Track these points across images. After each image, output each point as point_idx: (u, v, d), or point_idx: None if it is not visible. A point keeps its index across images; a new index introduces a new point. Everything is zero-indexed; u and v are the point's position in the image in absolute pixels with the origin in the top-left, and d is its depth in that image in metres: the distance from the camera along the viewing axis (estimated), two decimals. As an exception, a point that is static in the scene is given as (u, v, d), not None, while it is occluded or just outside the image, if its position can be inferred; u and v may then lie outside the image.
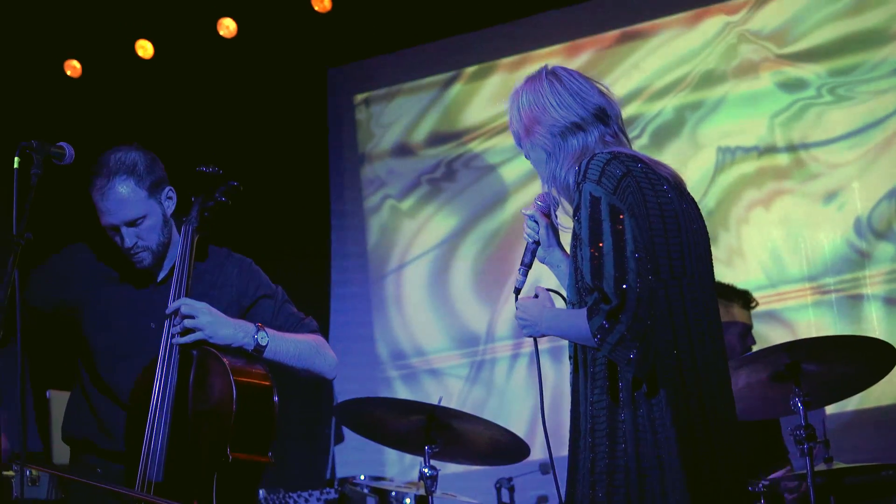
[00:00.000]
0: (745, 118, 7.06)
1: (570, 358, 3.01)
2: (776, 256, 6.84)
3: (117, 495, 3.53)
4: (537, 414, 7.17)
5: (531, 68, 7.17)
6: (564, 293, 3.10)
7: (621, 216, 2.80)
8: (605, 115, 3.00)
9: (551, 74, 3.04)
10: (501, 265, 7.55)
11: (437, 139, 7.88)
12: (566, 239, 3.13)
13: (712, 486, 2.76)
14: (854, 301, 6.62)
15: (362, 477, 6.25)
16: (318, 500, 5.91)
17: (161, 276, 3.83)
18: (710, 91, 7.17)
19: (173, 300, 3.67)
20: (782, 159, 6.93)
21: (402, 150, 7.96)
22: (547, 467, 6.19)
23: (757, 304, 5.50)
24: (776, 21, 7.05)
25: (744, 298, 5.43)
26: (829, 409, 5.63)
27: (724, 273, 6.44)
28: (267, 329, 3.75)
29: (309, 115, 7.88)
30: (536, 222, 3.17)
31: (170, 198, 3.79)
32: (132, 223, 3.69)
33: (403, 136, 7.96)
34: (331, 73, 8.04)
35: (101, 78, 7.60)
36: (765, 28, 7.06)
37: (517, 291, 3.17)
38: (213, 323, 3.64)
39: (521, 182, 7.57)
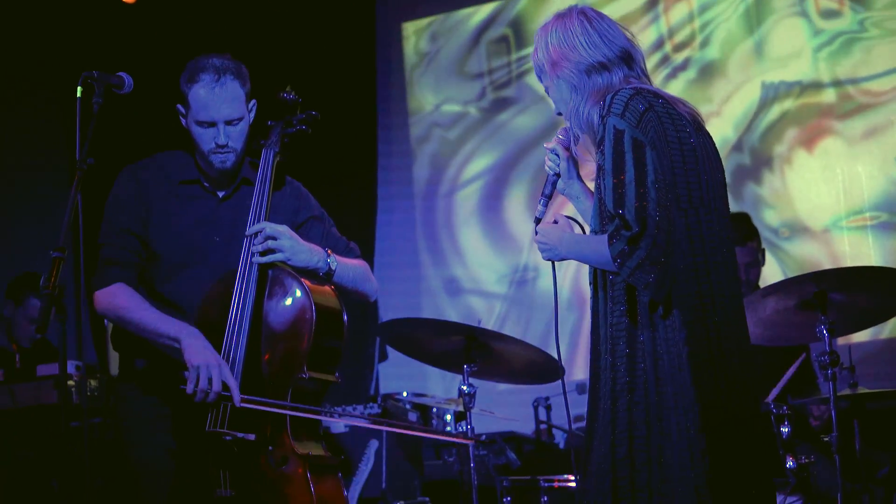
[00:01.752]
0: (788, 52, 7.14)
1: (590, 283, 3.17)
2: (815, 188, 6.94)
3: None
4: (573, 336, 7.38)
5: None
6: (582, 222, 3.27)
7: (644, 148, 2.94)
8: (630, 58, 3.13)
9: (581, 14, 3.16)
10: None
11: (484, 69, 8.00)
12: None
13: (723, 399, 2.92)
14: (890, 232, 6.72)
15: (405, 393, 6.44)
16: (362, 414, 6.12)
17: (223, 193, 3.94)
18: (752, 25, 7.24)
19: (254, 221, 3.80)
20: (826, 94, 7.00)
21: (450, 79, 8.10)
22: (583, 388, 6.43)
23: (760, 242, 5.61)
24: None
25: (747, 230, 5.56)
26: (856, 338, 5.76)
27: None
28: (333, 254, 3.90)
29: (357, 42, 7.97)
30: (558, 155, 3.31)
31: (251, 110, 3.91)
32: (231, 122, 3.82)
33: (451, 65, 8.09)
34: (379, 1, 8.16)
35: (155, 4, 7.74)
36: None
37: (537, 221, 3.31)
38: (294, 246, 3.78)
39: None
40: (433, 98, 8.14)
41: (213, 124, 3.81)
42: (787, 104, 7.04)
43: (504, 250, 7.87)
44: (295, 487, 3.62)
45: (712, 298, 2.97)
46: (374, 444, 5.92)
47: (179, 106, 3.87)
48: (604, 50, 3.11)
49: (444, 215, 8.04)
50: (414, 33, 8.23)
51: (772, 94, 7.10)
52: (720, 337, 2.96)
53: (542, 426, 6.71)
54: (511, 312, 7.70)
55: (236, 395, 3.60)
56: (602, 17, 3.18)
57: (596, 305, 3.11)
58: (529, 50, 7.75)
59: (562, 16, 3.19)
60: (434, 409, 6.64)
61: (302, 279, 3.77)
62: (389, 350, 7.61)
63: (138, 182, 3.90)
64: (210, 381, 3.58)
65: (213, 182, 3.93)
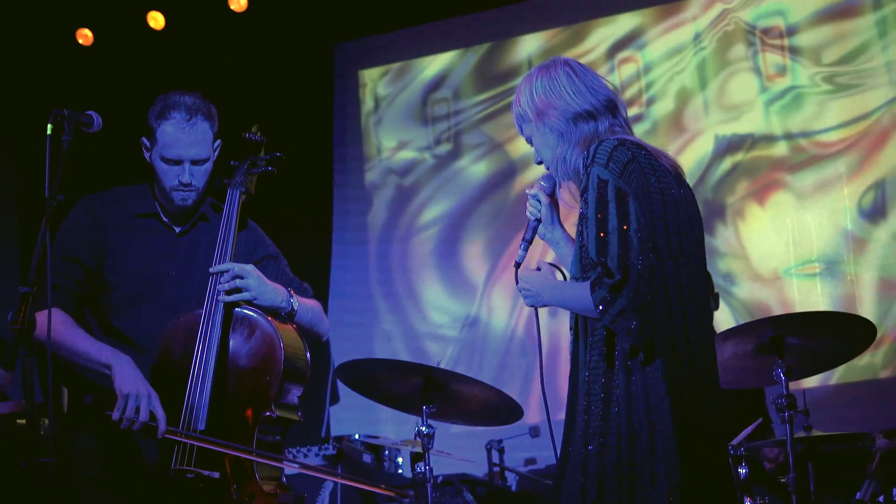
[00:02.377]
0: (740, 105, 7.29)
1: (570, 329, 3.21)
2: (766, 238, 7.06)
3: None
4: (529, 378, 7.43)
5: (531, 49, 7.43)
6: (563, 268, 3.32)
7: (627, 198, 3.00)
8: (614, 107, 3.20)
9: (566, 65, 3.23)
10: (499, 239, 7.80)
11: (439, 116, 8.09)
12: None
13: (699, 448, 2.96)
14: (837, 280, 6.86)
15: (356, 436, 6.43)
16: (317, 455, 6.10)
17: (179, 228, 3.94)
18: (706, 78, 7.40)
19: (219, 260, 3.81)
20: (777, 146, 7.15)
21: (405, 126, 8.17)
22: (536, 431, 6.47)
23: (713, 287, 5.72)
24: (770, 9, 7.27)
25: None
26: (809, 383, 5.86)
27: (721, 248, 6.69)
28: (295, 294, 3.92)
29: (314, 88, 8.04)
30: (539, 201, 3.36)
31: (216, 150, 3.93)
32: (197, 162, 3.83)
33: (406, 112, 8.17)
34: (337, 49, 8.23)
35: (113, 47, 7.74)
36: (759, 16, 7.28)
37: (517, 265, 3.36)
38: (260, 286, 3.79)
39: (525, 159, 7.80)
40: (388, 144, 8.21)
41: (179, 162, 3.82)
42: (739, 156, 7.17)
43: (458, 294, 7.93)
44: (264, 526, 3.62)
45: (688, 346, 3.03)
46: (328, 485, 5.90)
47: (145, 139, 3.88)
48: (590, 99, 3.17)
49: (399, 260, 8.09)
50: (370, 81, 8.31)
51: (724, 146, 7.24)
52: (697, 385, 3.02)
53: (496, 469, 6.73)
54: (463, 355, 7.74)
55: (162, 426, 3.59)
56: (585, 69, 3.25)
57: (576, 350, 3.16)
58: (483, 97, 8.02)
59: (546, 67, 3.25)
60: (386, 452, 6.64)
61: (271, 319, 3.78)
62: (341, 392, 7.61)
63: (94, 215, 3.89)
64: (138, 409, 3.57)
65: (171, 217, 3.94)
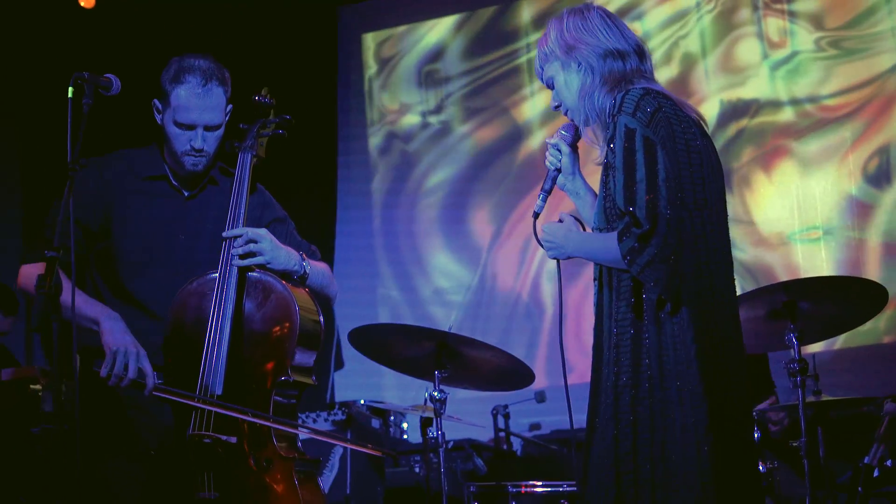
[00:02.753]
0: (745, 70, 7.28)
1: (594, 280, 3.20)
2: (771, 203, 7.07)
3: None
4: (534, 342, 7.46)
5: (533, 12, 7.37)
6: (582, 220, 3.30)
7: (655, 147, 2.99)
8: (642, 53, 3.21)
9: (599, 9, 3.25)
10: (504, 204, 7.80)
11: (443, 80, 8.06)
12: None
13: (725, 397, 2.98)
14: (842, 245, 6.87)
15: (362, 401, 6.47)
16: (327, 420, 6.12)
17: (188, 192, 3.93)
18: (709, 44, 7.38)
19: (231, 224, 3.80)
20: (782, 112, 7.14)
21: (409, 90, 8.15)
22: (542, 396, 6.49)
23: None
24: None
25: None
26: (816, 347, 5.89)
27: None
28: (307, 258, 3.91)
29: (318, 52, 8.01)
30: (559, 150, 3.35)
31: (227, 114, 3.89)
32: (210, 128, 3.81)
33: (410, 76, 8.14)
34: (341, 11, 8.18)
35: (116, 9, 7.69)
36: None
37: (536, 216, 3.35)
38: (274, 249, 3.78)
39: (529, 123, 7.78)
40: (392, 108, 8.19)
41: (192, 127, 3.79)
42: (744, 122, 7.16)
43: (462, 259, 7.94)
44: (281, 489, 3.62)
45: (714, 298, 3.03)
46: (338, 450, 5.93)
47: (157, 101, 3.84)
48: (621, 41, 3.18)
49: (404, 225, 8.09)
50: (374, 44, 8.27)
51: (729, 111, 7.23)
52: (721, 336, 3.02)
53: (501, 434, 6.77)
54: (467, 320, 7.75)
55: (149, 382, 3.58)
56: (619, 18, 3.26)
57: (601, 301, 3.15)
58: (486, 59, 8.00)
59: (579, 9, 3.25)
60: (392, 417, 6.67)
61: (286, 283, 3.77)
62: (346, 358, 7.62)
63: (101, 178, 3.85)
64: (126, 366, 3.56)
65: (179, 180, 3.92)
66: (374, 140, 8.22)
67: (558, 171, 3.36)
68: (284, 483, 3.63)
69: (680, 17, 7.49)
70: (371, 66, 8.26)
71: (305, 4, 7.90)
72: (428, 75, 8.13)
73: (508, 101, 7.92)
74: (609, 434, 3.01)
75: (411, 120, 8.15)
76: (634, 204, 2.97)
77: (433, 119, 8.10)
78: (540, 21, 7.82)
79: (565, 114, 3.30)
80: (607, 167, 3.09)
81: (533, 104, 7.86)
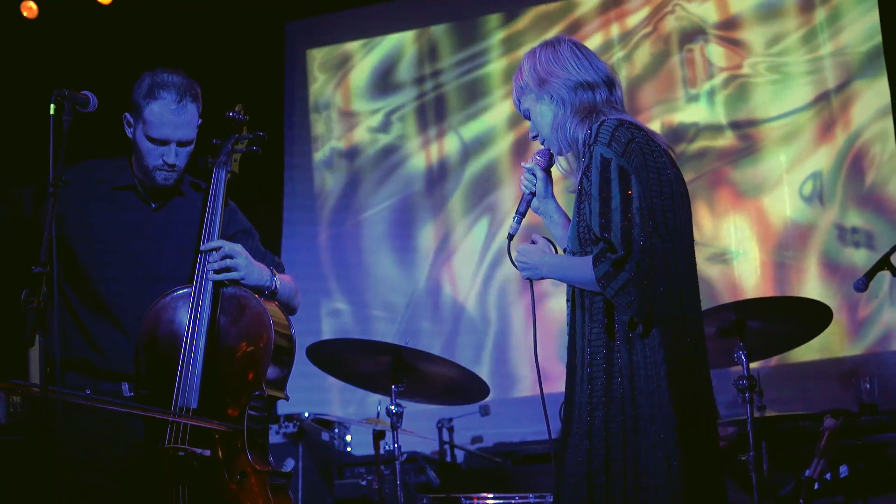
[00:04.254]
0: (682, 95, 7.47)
1: (567, 301, 3.33)
2: (720, 224, 7.24)
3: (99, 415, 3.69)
4: (479, 357, 7.56)
5: (482, 31, 7.44)
6: (554, 241, 3.44)
7: (629, 176, 3.14)
8: (612, 83, 3.35)
9: (570, 41, 3.39)
10: (447, 221, 7.89)
11: (389, 96, 8.15)
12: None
13: (694, 415, 3.12)
14: (790, 267, 7.07)
15: (306, 414, 6.46)
16: (278, 433, 6.15)
17: (156, 204, 3.96)
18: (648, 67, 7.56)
19: (206, 238, 3.84)
20: (720, 136, 7.33)
21: (355, 107, 8.21)
22: (486, 409, 6.58)
23: None
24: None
25: None
26: (755, 364, 6.07)
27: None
28: (276, 272, 3.97)
29: (265, 67, 8.03)
30: (534, 175, 3.48)
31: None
32: (184, 143, 3.85)
33: (357, 92, 8.20)
34: (288, 27, 8.22)
35: (58, 20, 7.64)
36: (704, 5, 7.47)
37: (510, 237, 3.47)
38: (249, 265, 3.84)
39: (475, 142, 7.90)
40: (338, 125, 8.24)
41: (166, 143, 3.83)
42: (682, 146, 7.32)
43: (410, 274, 8.00)
44: (255, 501, 3.66)
45: (684, 320, 3.17)
46: (290, 462, 5.95)
47: (128, 115, 3.87)
48: (591, 72, 3.32)
49: (351, 240, 8.14)
50: (320, 60, 8.32)
51: (670, 135, 7.38)
52: (690, 356, 3.17)
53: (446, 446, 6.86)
54: (413, 334, 7.82)
55: None
56: (588, 49, 3.41)
57: (573, 321, 3.27)
58: (437, 75, 8.07)
59: (550, 42, 3.40)
60: (336, 430, 6.70)
61: (260, 298, 3.83)
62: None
63: (68, 186, 3.76)
64: None
65: (147, 191, 3.94)
66: (320, 155, 8.27)
67: (532, 194, 3.49)
68: (259, 496, 3.68)
69: (620, 40, 7.66)
70: (317, 81, 8.31)
71: (252, 20, 7.91)
72: (375, 91, 8.20)
73: (455, 118, 8.02)
74: (583, 448, 3.13)
75: (358, 136, 8.22)
76: (609, 230, 3.11)
77: (380, 135, 8.18)
78: (481, 40, 7.95)
79: (542, 142, 3.43)
80: (581, 194, 3.22)
81: (480, 122, 7.97)
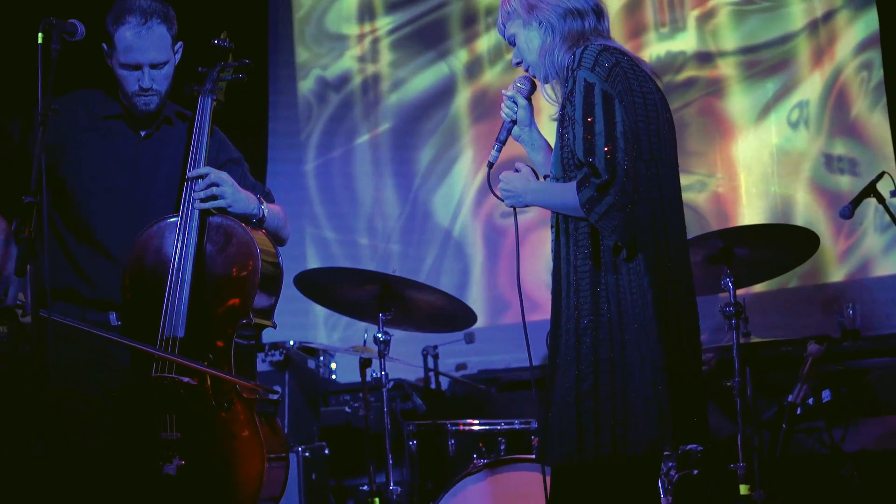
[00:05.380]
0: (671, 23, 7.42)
1: (551, 227, 3.33)
2: (697, 150, 7.24)
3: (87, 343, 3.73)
4: (465, 282, 7.59)
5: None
6: (537, 169, 3.43)
7: (613, 101, 3.12)
8: (600, 11, 3.33)
9: None
10: (438, 148, 7.87)
11: (377, 25, 8.08)
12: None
13: (678, 339, 3.15)
14: (776, 195, 7.08)
15: (291, 342, 6.49)
16: (264, 361, 6.17)
17: (144, 132, 3.95)
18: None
19: (193, 166, 3.84)
20: (710, 65, 7.30)
21: (341, 34, 8.14)
22: (471, 336, 6.61)
23: None
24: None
25: None
26: (741, 291, 6.12)
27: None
28: (263, 200, 3.96)
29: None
30: (515, 103, 3.45)
31: (177, 52, 3.91)
32: (156, 65, 3.82)
33: (343, 19, 8.13)
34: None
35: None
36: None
37: (490, 165, 3.46)
38: (235, 193, 3.83)
39: (466, 70, 7.85)
40: (325, 52, 8.17)
41: (138, 67, 3.81)
42: (669, 76, 7.28)
43: (396, 200, 7.98)
44: (243, 429, 3.70)
45: (667, 245, 3.18)
46: (277, 389, 5.97)
47: (104, 45, 3.85)
48: (581, 0, 3.28)
49: (337, 169, 8.12)
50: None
51: (660, 64, 7.32)
52: (675, 280, 3.18)
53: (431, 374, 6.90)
54: (399, 259, 7.85)
55: (27, 308, 3.61)
56: None
57: (557, 248, 3.27)
58: (419, 9, 7.99)
59: None
60: (321, 358, 6.74)
61: (246, 226, 3.82)
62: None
63: (59, 116, 3.77)
64: (6, 292, 3.61)
65: (135, 121, 3.94)
66: (306, 84, 8.21)
67: (514, 122, 3.47)
68: (246, 423, 3.71)
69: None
70: (302, 8, 8.22)
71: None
72: (361, 18, 8.12)
73: (444, 46, 7.95)
74: (571, 374, 3.14)
75: (344, 63, 8.15)
76: (593, 155, 3.10)
77: (366, 63, 8.11)
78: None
79: (526, 70, 3.40)
80: (564, 119, 3.20)
81: (470, 50, 7.91)
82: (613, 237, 3.11)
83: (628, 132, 3.10)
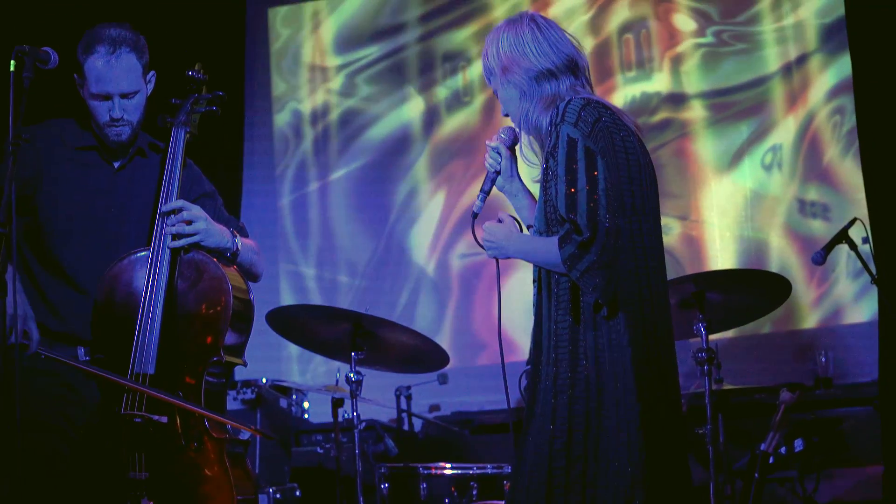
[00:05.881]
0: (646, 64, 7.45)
1: (534, 281, 3.31)
2: (671, 193, 7.26)
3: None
4: (439, 324, 7.56)
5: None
6: (521, 221, 3.42)
7: (595, 157, 3.11)
8: (576, 66, 3.30)
9: (532, 21, 3.31)
10: (414, 187, 7.86)
11: (352, 59, 8.08)
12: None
13: (658, 398, 3.12)
14: (749, 238, 7.11)
15: (264, 380, 6.43)
16: (235, 399, 6.12)
17: (118, 163, 3.92)
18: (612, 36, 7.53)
19: (165, 199, 3.80)
20: (685, 106, 7.33)
21: (317, 69, 8.14)
22: (444, 378, 6.58)
23: None
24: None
25: None
26: (714, 336, 6.12)
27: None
28: (237, 234, 3.93)
29: (226, 27, 7.91)
30: (499, 153, 3.44)
31: (150, 81, 3.89)
32: (127, 95, 3.78)
33: (318, 53, 8.13)
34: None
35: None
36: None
37: (475, 216, 3.44)
38: (208, 228, 3.79)
39: (440, 106, 7.85)
40: (300, 86, 8.16)
41: (108, 97, 3.78)
42: (643, 117, 7.31)
43: (371, 238, 7.96)
44: (212, 469, 3.65)
45: (650, 301, 3.16)
46: (249, 428, 5.92)
47: (76, 75, 3.83)
48: (552, 58, 3.26)
49: (313, 205, 8.09)
50: (281, 19, 8.23)
51: (633, 106, 7.35)
52: (656, 338, 3.15)
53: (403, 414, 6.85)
54: (372, 299, 7.80)
55: (33, 346, 3.55)
56: (551, 24, 3.33)
57: (539, 303, 3.25)
58: (401, 38, 7.98)
59: (513, 21, 3.33)
60: (294, 396, 6.68)
61: (218, 262, 3.79)
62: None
63: (33, 146, 3.79)
64: (12, 330, 3.46)
65: (109, 152, 3.91)
66: (282, 117, 8.19)
67: (497, 172, 3.45)
68: (216, 463, 3.66)
69: (580, 7, 7.62)
70: (279, 40, 8.22)
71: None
72: (338, 52, 8.12)
73: (422, 81, 7.96)
74: (546, 430, 3.11)
75: (320, 97, 8.14)
76: (575, 211, 3.09)
77: (342, 97, 8.11)
78: (452, 5, 7.89)
79: (513, 121, 3.39)
80: (547, 174, 3.19)
81: (445, 87, 7.92)
82: (594, 294, 3.09)
83: (611, 189, 3.10)
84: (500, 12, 7.73)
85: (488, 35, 3.38)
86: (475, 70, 7.75)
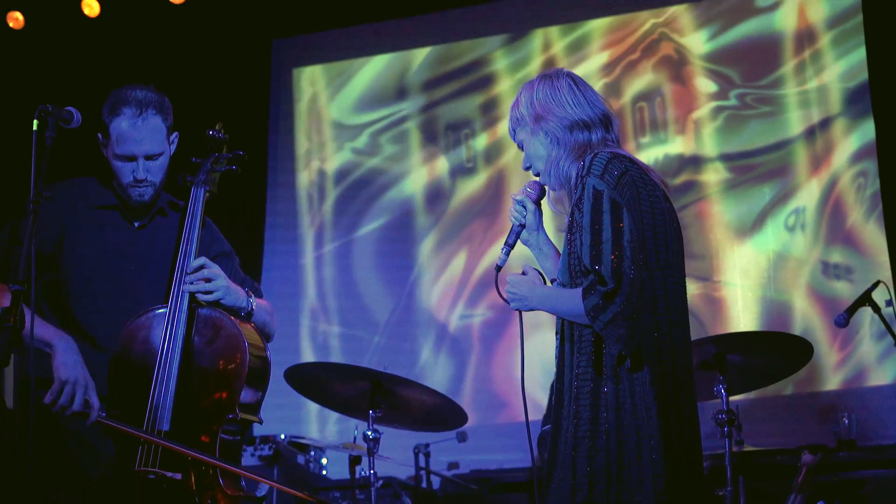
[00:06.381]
0: (669, 126, 7.47)
1: (556, 333, 3.32)
2: (704, 257, 7.23)
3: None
4: (459, 380, 7.53)
5: (464, 57, 7.44)
6: (543, 273, 3.43)
7: (621, 209, 3.13)
8: (609, 122, 3.35)
9: (569, 77, 3.38)
10: (438, 244, 7.86)
11: (375, 118, 8.13)
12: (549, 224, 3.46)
13: (683, 454, 3.11)
14: (772, 300, 7.07)
15: (282, 436, 6.42)
16: (253, 455, 6.10)
17: (138, 223, 3.94)
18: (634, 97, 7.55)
19: (184, 258, 3.81)
20: (705, 168, 7.33)
21: (341, 127, 8.19)
22: (463, 435, 6.55)
23: None
24: (701, 29, 7.47)
25: None
26: (734, 397, 6.07)
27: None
28: (252, 294, 3.94)
29: (251, 86, 8.00)
30: (524, 207, 3.47)
31: (173, 142, 3.91)
32: (152, 157, 3.82)
33: (342, 113, 8.19)
34: (275, 45, 8.20)
35: (45, 32, 7.61)
36: (689, 35, 7.48)
37: (498, 269, 3.46)
38: (227, 287, 3.81)
39: (463, 165, 7.88)
40: (324, 146, 8.22)
41: (133, 158, 3.81)
42: (667, 179, 7.29)
43: (392, 295, 7.96)
44: (226, 528, 3.63)
45: (673, 355, 3.16)
46: (264, 486, 5.90)
47: (100, 135, 3.86)
48: (588, 111, 3.31)
49: (334, 263, 8.10)
50: (306, 80, 8.30)
51: (656, 168, 7.32)
52: (680, 392, 3.15)
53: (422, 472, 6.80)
54: (391, 356, 7.79)
55: (93, 415, 3.57)
56: (586, 83, 3.40)
57: (562, 354, 3.26)
58: (425, 97, 8.03)
59: (549, 76, 3.39)
60: (312, 453, 6.65)
61: (235, 320, 3.79)
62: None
63: (55, 205, 3.81)
64: (73, 397, 3.55)
65: (130, 211, 3.93)
66: (306, 175, 8.23)
67: (522, 226, 3.48)
68: (230, 522, 3.64)
69: (608, 67, 7.66)
70: (303, 100, 8.28)
71: (239, 37, 7.90)
72: (362, 112, 8.17)
73: (443, 143, 7.99)
74: (567, 484, 3.10)
75: (343, 157, 8.18)
76: (600, 263, 3.10)
77: (365, 157, 8.14)
78: (476, 66, 7.94)
79: (536, 174, 3.42)
80: (573, 226, 3.21)
81: (469, 147, 7.94)
82: (618, 346, 3.09)
83: (635, 241, 3.11)
84: (507, 84, 7.76)
85: (521, 88, 3.42)
86: (498, 132, 7.78)
